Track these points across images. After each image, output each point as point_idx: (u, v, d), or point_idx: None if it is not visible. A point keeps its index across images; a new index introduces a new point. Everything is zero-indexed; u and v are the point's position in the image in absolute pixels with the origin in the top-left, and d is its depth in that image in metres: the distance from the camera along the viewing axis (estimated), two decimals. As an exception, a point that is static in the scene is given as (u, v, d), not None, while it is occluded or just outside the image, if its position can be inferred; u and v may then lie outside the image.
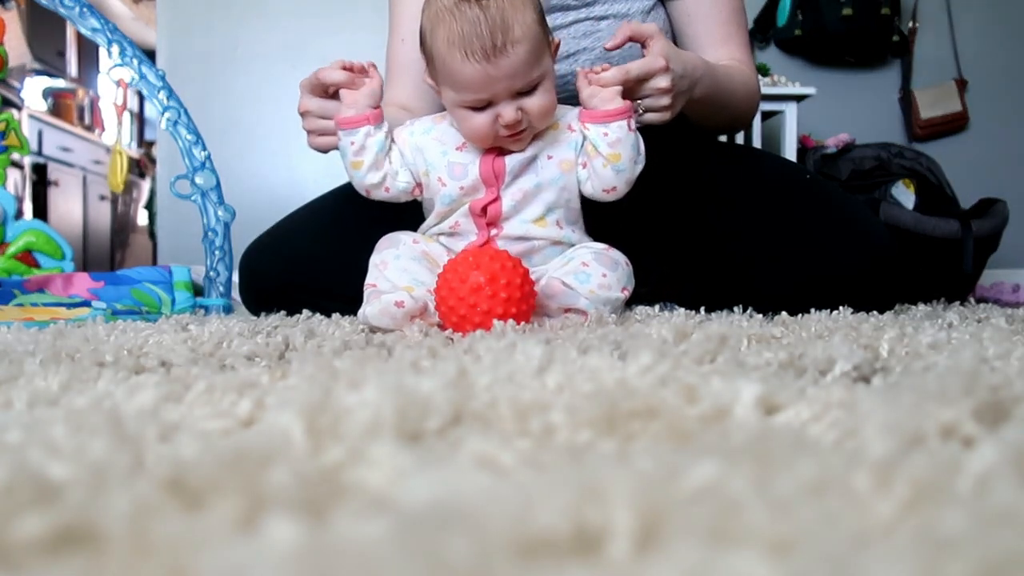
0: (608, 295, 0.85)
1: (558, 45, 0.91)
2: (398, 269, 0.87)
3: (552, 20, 1.12)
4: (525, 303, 0.77)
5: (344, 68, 0.90)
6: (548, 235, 0.90)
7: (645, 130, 0.95)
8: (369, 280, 0.89)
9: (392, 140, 0.91)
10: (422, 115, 1.09)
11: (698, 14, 1.13)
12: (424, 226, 0.95)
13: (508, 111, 0.84)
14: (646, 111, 0.92)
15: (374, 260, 0.90)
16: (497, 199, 0.89)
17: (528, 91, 0.84)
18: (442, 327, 0.81)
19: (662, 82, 0.90)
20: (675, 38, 1.16)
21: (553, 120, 0.90)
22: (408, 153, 0.91)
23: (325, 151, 0.97)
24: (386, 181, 0.91)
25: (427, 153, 0.91)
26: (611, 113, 0.87)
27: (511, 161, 0.89)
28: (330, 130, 0.93)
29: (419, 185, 0.92)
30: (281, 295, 1.08)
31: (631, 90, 0.90)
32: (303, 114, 0.95)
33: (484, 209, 0.89)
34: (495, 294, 0.75)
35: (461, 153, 0.90)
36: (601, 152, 0.87)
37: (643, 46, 0.93)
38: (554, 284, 0.84)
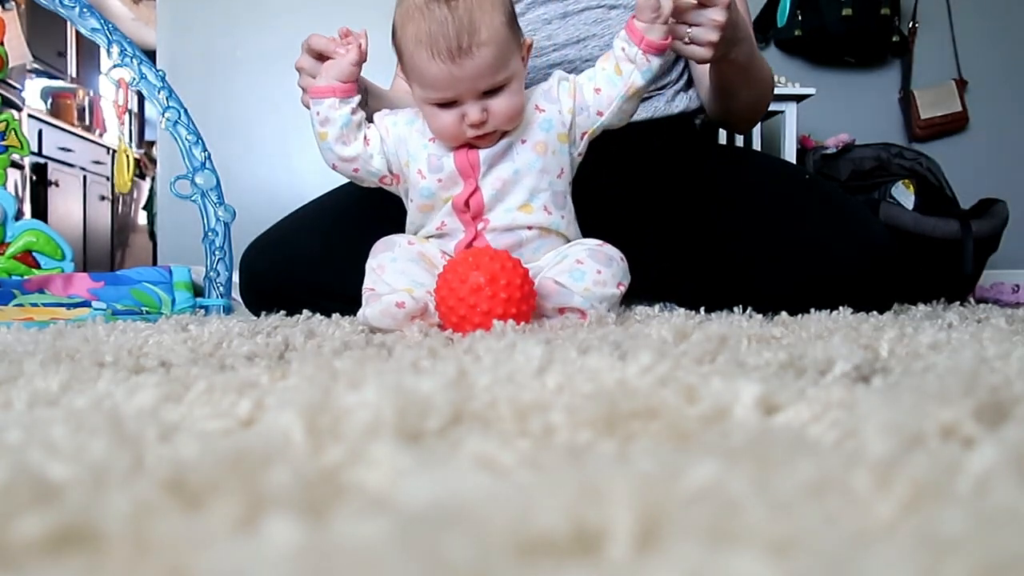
0: (604, 292, 0.84)
1: (530, 46, 0.91)
2: (395, 272, 0.87)
3: (564, 6, 1.13)
4: (525, 303, 0.77)
5: (340, 35, 0.92)
6: (536, 221, 0.89)
7: (646, 129, 0.95)
8: (367, 284, 0.89)
9: (364, 120, 0.92)
10: None
11: None
12: (409, 225, 0.96)
13: (473, 111, 0.85)
14: (691, 41, 0.91)
15: (371, 264, 0.90)
16: (476, 190, 0.89)
17: (494, 91, 0.85)
18: (442, 327, 0.81)
19: (718, 16, 0.89)
20: None
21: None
22: (390, 142, 0.92)
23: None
24: (357, 161, 0.92)
25: (409, 144, 0.91)
26: (653, 46, 0.88)
27: (485, 151, 0.89)
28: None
29: (395, 176, 0.93)
30: (281, 295, 1.08)
31: (686, 12, 0.89)
32: (298, 70, 0.97)
33: (467, 203, 0.89)
34: (495, 294, 0.75)
35: (436, 145, 0.90)
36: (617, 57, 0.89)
37: None
38: (548, 284, 0.84)
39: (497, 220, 0.89)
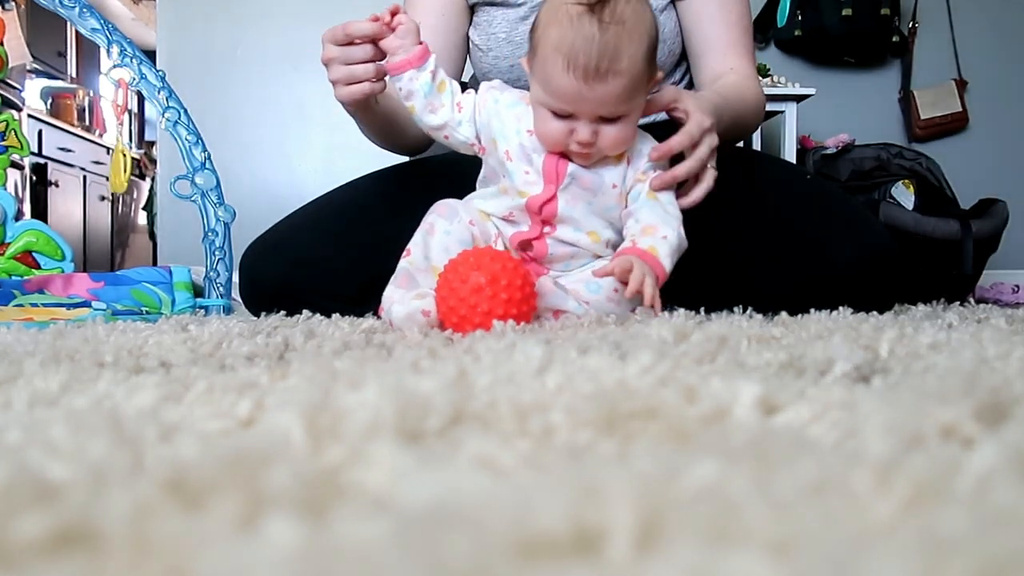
0: (614, 307, 0.86)
1: (659, 80, 0.90)
2: (441, 246, 0.88)
3: None
4: (526, 304, 0.77)
5: (374, 19, 0.89)
6: (595, 250, 0.91)
7: (647, 130, 0.95)
8: (411, 244, 0.89)
9: (448, 79, 0.91)
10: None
11: (705, 14, 1.14)
12: (481, 180, 0.96)
13: (584, 131, 0.84)
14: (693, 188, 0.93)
15: (427, 221, 0.90)
16: (553, 198, 0.89)
17: (611, 119, 0.84)
18: (442, 327, 0.81)
19: (707, 147, 0.91)
20: (683, 40, 1.17)
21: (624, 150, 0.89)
22: (483, 115, 0.91)
23: (352, 103, 0.96)
24: (446, 129, 0.91)
25: (503, 125, 0.90)
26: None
27: (575, 167, 0.88)
28: (356, 78, 0.92)
29: (482, 147, 0.92)
30: (281, 295, 1.08)
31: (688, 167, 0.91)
32: (327, 63, 0.93)
33: (540, 208, 0.89)
34: (495, 295, 0.75)
35: (532, 139, 0.90)
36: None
37: (669, 112, 0.94)
38: (545, 284, 0.85)
39: (564, 234, 0.90)
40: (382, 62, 0.91)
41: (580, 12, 0.81)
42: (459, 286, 0.76)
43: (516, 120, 0.90)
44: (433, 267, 0.85)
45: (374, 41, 0.90)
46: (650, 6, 0.86)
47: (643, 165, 0.92)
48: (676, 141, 0.89)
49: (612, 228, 0.92)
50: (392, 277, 0.89)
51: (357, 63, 0.91)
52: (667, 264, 0.85)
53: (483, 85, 0.93)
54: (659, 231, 0.88)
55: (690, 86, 1.21)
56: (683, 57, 1.19)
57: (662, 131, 1.06)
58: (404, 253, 0.89)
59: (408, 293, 0.86)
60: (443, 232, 0.89)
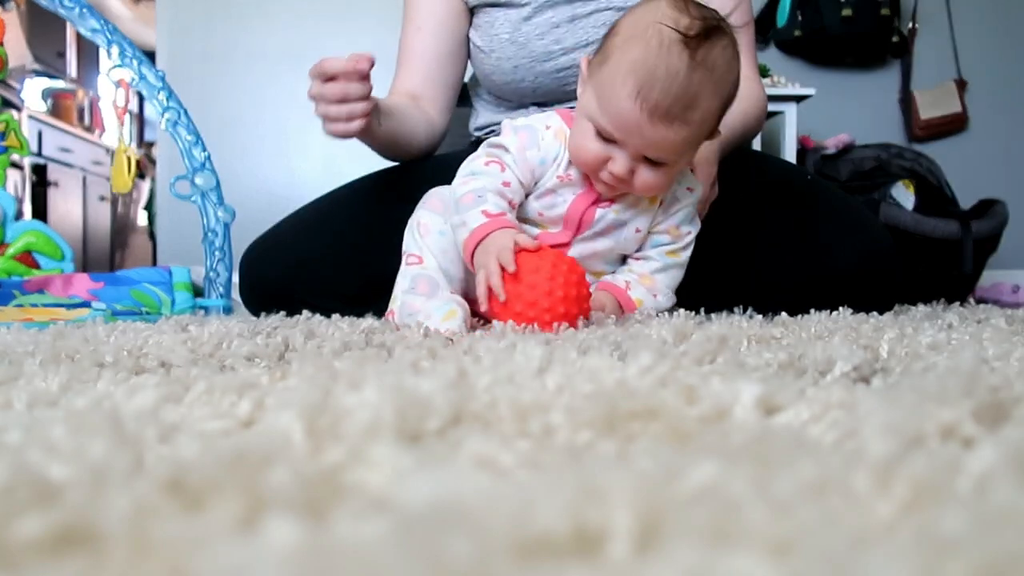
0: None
1: (718, 135, 0.84)
2: (439, 248, 0.86)
3: (572, 9, 1.11)
4: (583, 303, 0.75)
5: (352, 67, 0.87)
6: (600, 275, 0.91)
7: None
8: (416, 249, 0.87)
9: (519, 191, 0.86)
10: (433, 103, 1.16)
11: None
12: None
13: (622, 165, 0.77)
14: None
15: (419, 219, 0.88)
16: (568, 244, 0.86)
17: (654, 162, 0.78)
18: (485, 318, 0.79)
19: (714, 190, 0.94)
20: None
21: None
22: (530, 175, 0.85)
23: (343, 138, 0.95)
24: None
25: (545, 173, 0.85)
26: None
27: (601, 220, 0.85)
28: (342, 116, 0.91)
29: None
30: (282, 296, 1.08)
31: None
32: (314, 98, 0.91)
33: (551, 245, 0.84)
34: (552, 292, 0.73)
35: (560, 183, 0.84)
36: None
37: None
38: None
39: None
40: (358, 104, 0.90)
41: (673, 40, 0.72)
42: (523, 289, 0.74)
43: (556, 166, 0.85)
44: (449, 313, 0.81)
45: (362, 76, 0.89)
46: (739, 61, 0.79)
47: (677, 215, 0.88)
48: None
49: (617, 263, 0.91)
50: (404, 283, 0.86)
51: (336, 101, 0.89)
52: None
53: (515, 139, 0.85)
54: (658, 290, 0.87)
55: None
56: None
57: None
58: (411, 260, 0.87)
59: (433, 302, 0.83)
60: (437, 233, 0.87)
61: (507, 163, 0.84)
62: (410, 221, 0.91)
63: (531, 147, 0.85)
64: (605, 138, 0.78)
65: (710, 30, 0.74)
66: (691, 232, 0.90)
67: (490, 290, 0.75)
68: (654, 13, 0.75)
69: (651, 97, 0.73)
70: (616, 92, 0.75)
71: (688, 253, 0.91)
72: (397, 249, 0.92)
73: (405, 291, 0.86)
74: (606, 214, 0.85)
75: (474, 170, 0.83)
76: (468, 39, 1.20)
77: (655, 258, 0.89)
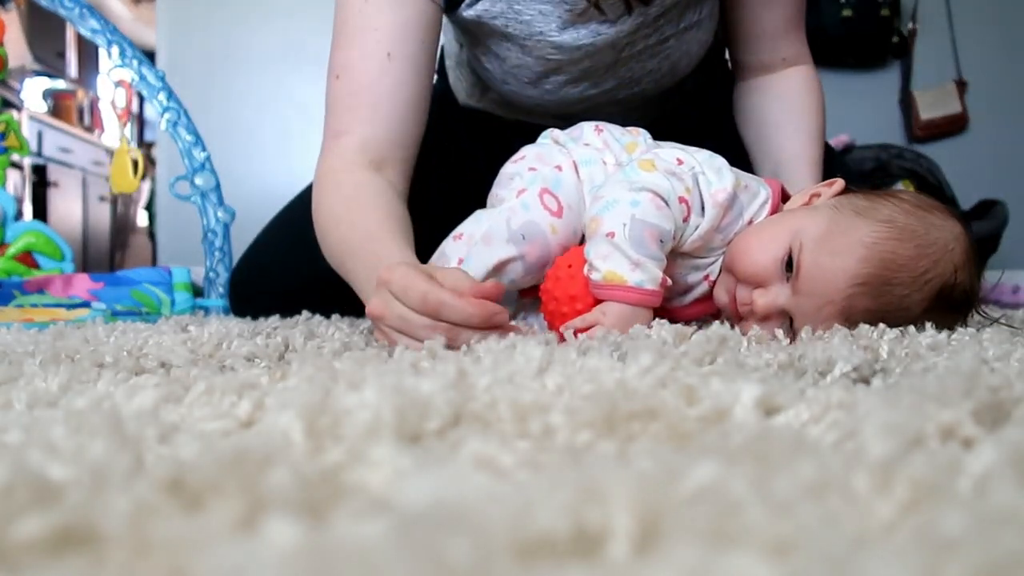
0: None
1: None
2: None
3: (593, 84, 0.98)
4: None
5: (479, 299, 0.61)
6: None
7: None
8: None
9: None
10: (400, 173, 0.85)
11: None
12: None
13: (752, 297, 0.70)
14: None
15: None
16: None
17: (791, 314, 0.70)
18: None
19: None
20: (729, 31, 1.03)
21: None
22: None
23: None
24: None
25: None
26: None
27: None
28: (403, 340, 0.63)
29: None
30: (274, 311, 1.04)
31: None
32: (377, 318, 0.64)
33: None
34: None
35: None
36: None
37: None
38: None
39: None
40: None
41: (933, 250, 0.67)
42: (568, 282, 0.71)
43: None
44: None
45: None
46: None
47: None
48: None
49: None
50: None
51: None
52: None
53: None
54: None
55: (711, 69, 1.11)
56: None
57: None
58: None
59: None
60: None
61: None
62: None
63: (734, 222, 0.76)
64: (751, 280, 0.71)
65: None
66: None
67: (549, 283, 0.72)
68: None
69: (879, 290, 0.68)
70: (837, 280, 0.67)
71: None
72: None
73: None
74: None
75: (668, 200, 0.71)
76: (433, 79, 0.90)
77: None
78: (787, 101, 1.01)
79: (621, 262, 0.68)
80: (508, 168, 0.84)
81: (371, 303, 0.64)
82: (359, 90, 0.82)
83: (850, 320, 0.67)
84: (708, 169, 0.75)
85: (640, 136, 0.84)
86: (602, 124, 0.85)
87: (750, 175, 0.79)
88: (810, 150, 0.97)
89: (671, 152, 0.77)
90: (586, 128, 0.85)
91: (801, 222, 0.70)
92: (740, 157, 0.98)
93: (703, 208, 0.73)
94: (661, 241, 0.70)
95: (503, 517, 0.19)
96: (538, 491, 0.21)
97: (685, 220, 0.72)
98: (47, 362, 0.56)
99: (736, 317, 0.73)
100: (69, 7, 1.39)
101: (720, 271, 0.76)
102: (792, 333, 0.68)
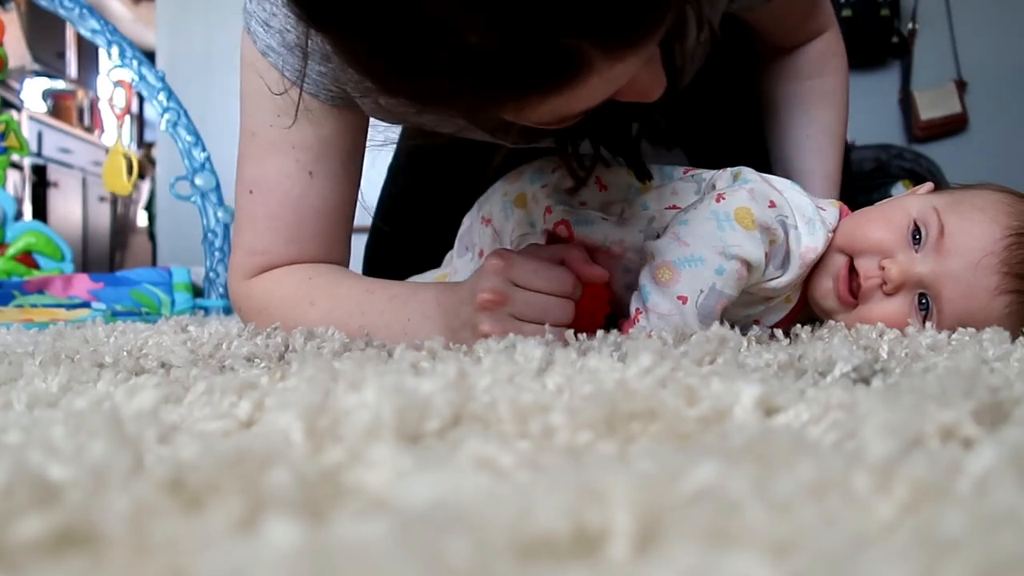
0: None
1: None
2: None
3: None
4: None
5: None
6: None
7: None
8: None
9: None
10: (343, 256, 0.78)
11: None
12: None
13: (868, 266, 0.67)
14: None
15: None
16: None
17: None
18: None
19: None
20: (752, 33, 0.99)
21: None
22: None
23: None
24: None
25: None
26: None
27: None
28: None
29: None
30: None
31: None
32: (497, 305, 0.60)
33: None
34: (604, 295, 0.70)
35: None
36: None
37: None
38: None
39: None
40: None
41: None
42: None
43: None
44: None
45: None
46: None
47: None
48: None
49: None
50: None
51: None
52: None
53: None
54: None
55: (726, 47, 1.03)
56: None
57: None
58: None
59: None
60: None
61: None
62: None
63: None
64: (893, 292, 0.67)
65: None
66: None
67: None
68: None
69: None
70: (982, 295, 0.65)
71: None
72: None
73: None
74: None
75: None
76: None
77: None
78: (806, 100, 1.00)
79: (677, 326, 0.63)
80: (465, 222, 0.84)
81: (485, 292, 0.59)
82: (279, 211, 0.74)
83: (1015, 274, 0.63)
84: (799, 218, 0.69)
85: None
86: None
87: (823, 200, 0.74)
88: (824, 165, 0.97)
89: (764, 190, 0.68)
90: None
91: (916, 200, 0.68)
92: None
93: (784, 260, 0.68)
94: (726, 307, 0.65)
95: (503, 517, 0.19)
96: (538, 491, 0.21)
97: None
98: (47, 362, 0.56)
99: (847, 301, 0.68)
100: (69, 7, 1.39)
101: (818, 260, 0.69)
102: (937, 313, 0.65)
